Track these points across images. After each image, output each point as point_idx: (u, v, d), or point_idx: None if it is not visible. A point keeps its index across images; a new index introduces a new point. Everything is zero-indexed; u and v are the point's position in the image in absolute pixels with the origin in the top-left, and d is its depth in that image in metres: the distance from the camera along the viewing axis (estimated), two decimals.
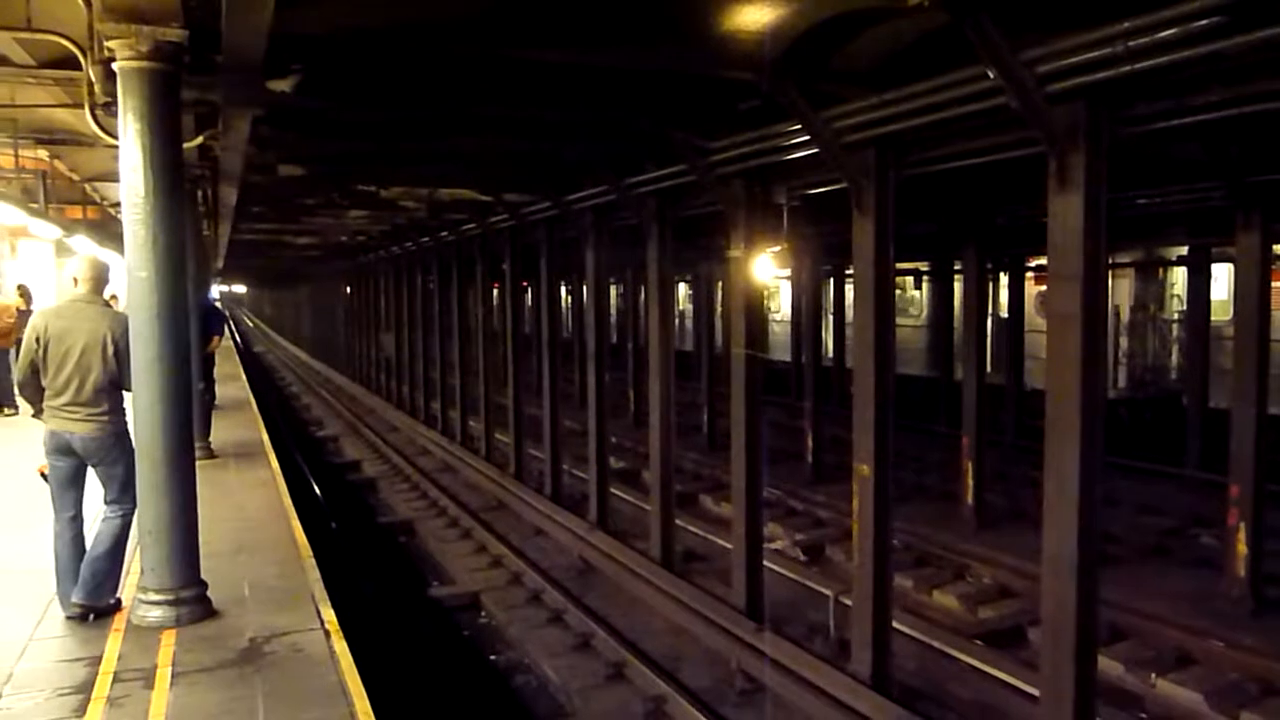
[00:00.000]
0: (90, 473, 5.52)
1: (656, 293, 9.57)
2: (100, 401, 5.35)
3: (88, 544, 5.49)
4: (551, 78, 6.44)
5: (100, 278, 5.56)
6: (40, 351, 5.31)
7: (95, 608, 5.40)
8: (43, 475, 5.52)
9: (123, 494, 5.46)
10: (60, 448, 5.38)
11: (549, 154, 9.54)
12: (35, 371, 5.35)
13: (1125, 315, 15.82)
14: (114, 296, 6.61)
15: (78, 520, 5.54)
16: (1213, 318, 12.78)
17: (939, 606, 8.93)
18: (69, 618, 5.38)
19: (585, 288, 12.35)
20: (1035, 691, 5.82)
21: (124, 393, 5.43)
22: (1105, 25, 4.33)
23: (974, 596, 8.95)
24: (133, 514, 5.45)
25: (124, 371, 5.33)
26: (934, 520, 10.95)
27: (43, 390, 5.38)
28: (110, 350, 5.32)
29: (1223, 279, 13.86)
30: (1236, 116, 4.99)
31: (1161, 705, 6.97)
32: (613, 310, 24.57)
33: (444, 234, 16.28)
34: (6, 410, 12.82)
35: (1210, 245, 12.69)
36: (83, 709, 4.30)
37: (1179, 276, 15.57)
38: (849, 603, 7.12)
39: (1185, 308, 14.59)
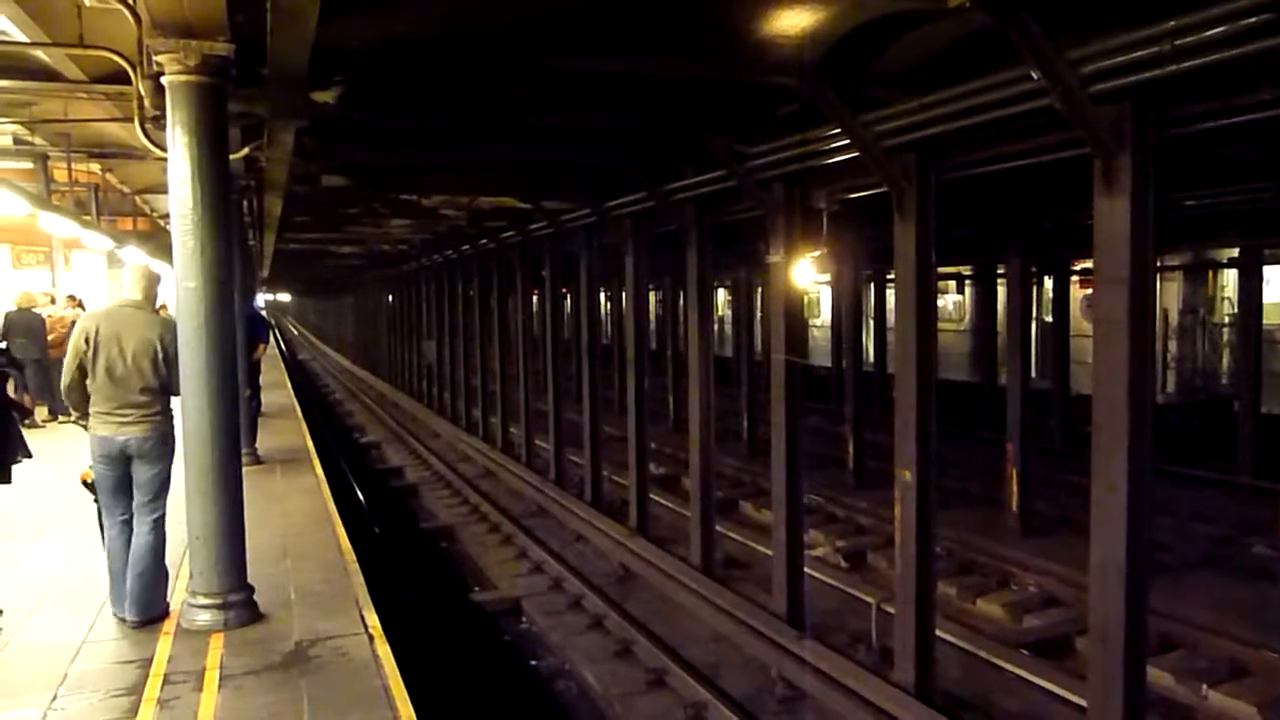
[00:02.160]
0: None
1: (696, 298, 9.56)
2: (153, 403, 5.40)
3: None
4: (591, 85, 6.47)
5: (152, 286, 5.61)
6: (90, 353, 5.31)
7: (149, 620, 5.47)
8: (85, 483, 5.54)
9: (160, 493, 5.51)
10: (110, 453, 5.39)
11: (588, 161, 9.58)
12: (84, 375, 5.35)
13: (1174, 319, 15.51)
14: (163, 305, 6.71)
15: (130, 523, 5.55)
16: (1265, 321, 12.49)
17: (983, 615, 8.81)
18: (122, 620, 5.46)
19: (625, 294, 12.37)
20: (1083, 702, 5.73)
21: (171, 396, 5.50)
22: (1151, 24, 4.27)
23: (1019, 605, 8.81)
24: (165, 515, 5.53)
25: (174, 376, 5.39)
26: (978, 527, 10.80)
27: (88, 395, 5.37)
28: (161, 356, 5.38)
29: (1276, 281, 13.55)
30: None
31: (1213, 717, 6.82)
32: (652, 316, 24.60)
33: (484, 242, 16.40)
34: (61, 418, 13.10)
35: (1262, 247, 12.41)
36: (134, 710, 4.38)
37: (1229, 279, 15.25)
38: (891, 610, 7.05)
39: (1236, 310, 14.27)
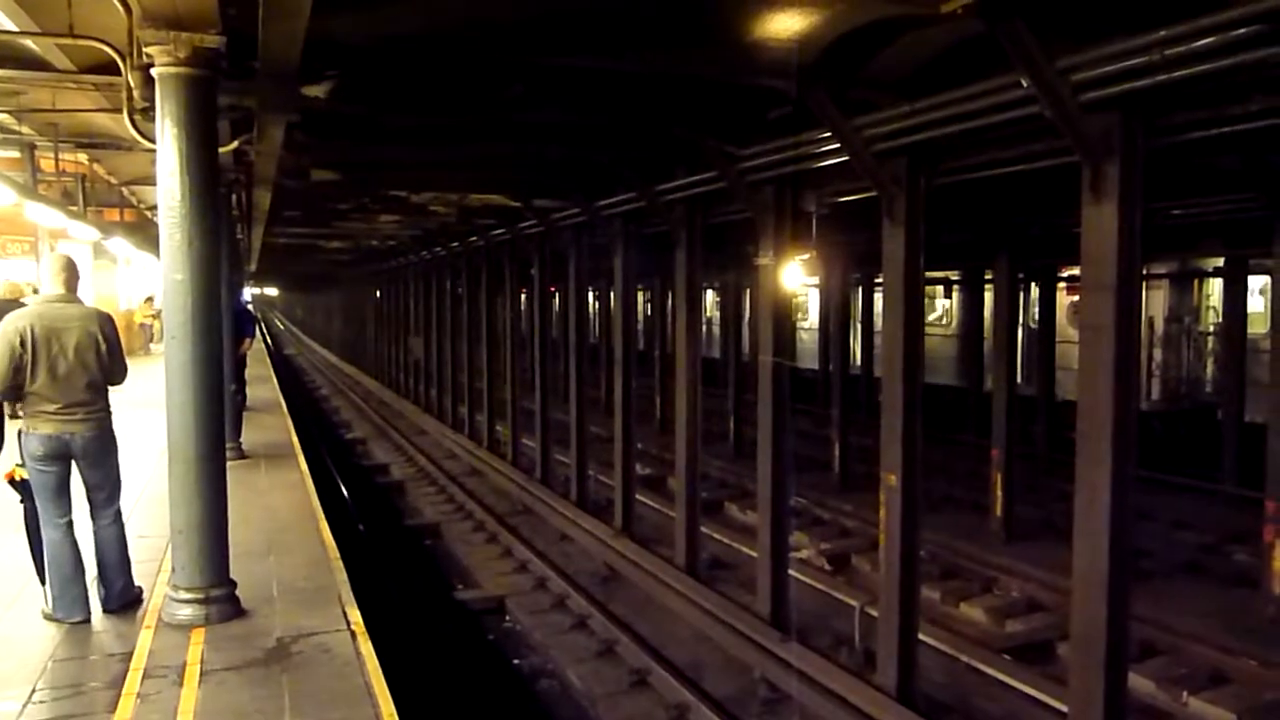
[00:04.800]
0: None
1: (684, 299, 9.56)
2: (97, 399, 5.32)
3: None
4: (584, 84, 6.47)
5: (73, 276, 5.44)
6: (28, 355, 5.08)
7: (130, 602, 5.54)
8: (12, 482, 5.33)
9: (117, 490, 5.50)
10: (55, 452, 5.21)
11: (580, 160, 9.57)
12: (16, 379, 5.09)
13: (1159, 327, 15.61)
14: (150, 298, 6.65)
15: (72, 524, 5.38)
16: (1249, 330, 12.58)
17: (966, 619, 8.84)
18: (59, 622, 5.31)
19: (613, 294, 12.37)
20: (1064, 707, 5.75)
21: (111, 389, 5.44)
22: (1142, 34, 4.29)
23: (1002, 610, 8.85)
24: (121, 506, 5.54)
25: (116, 366, 5.36)
26: (962, 532, 10.84)
27: (20, 397, 5.17)
28: (104, 347, 5.29)
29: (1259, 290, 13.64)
30: (1277, 126, 4.91)
31: None
32: (640, 317, 24.60)
33: (473, 239, 16.37)
34: None
35: (1247, 256, 12.51)
36: (114, 704, 4.35)
37: (1214, 288, 15.35)
38: (875, 614, 7.07)
39: (1221, 319, 14.37)
